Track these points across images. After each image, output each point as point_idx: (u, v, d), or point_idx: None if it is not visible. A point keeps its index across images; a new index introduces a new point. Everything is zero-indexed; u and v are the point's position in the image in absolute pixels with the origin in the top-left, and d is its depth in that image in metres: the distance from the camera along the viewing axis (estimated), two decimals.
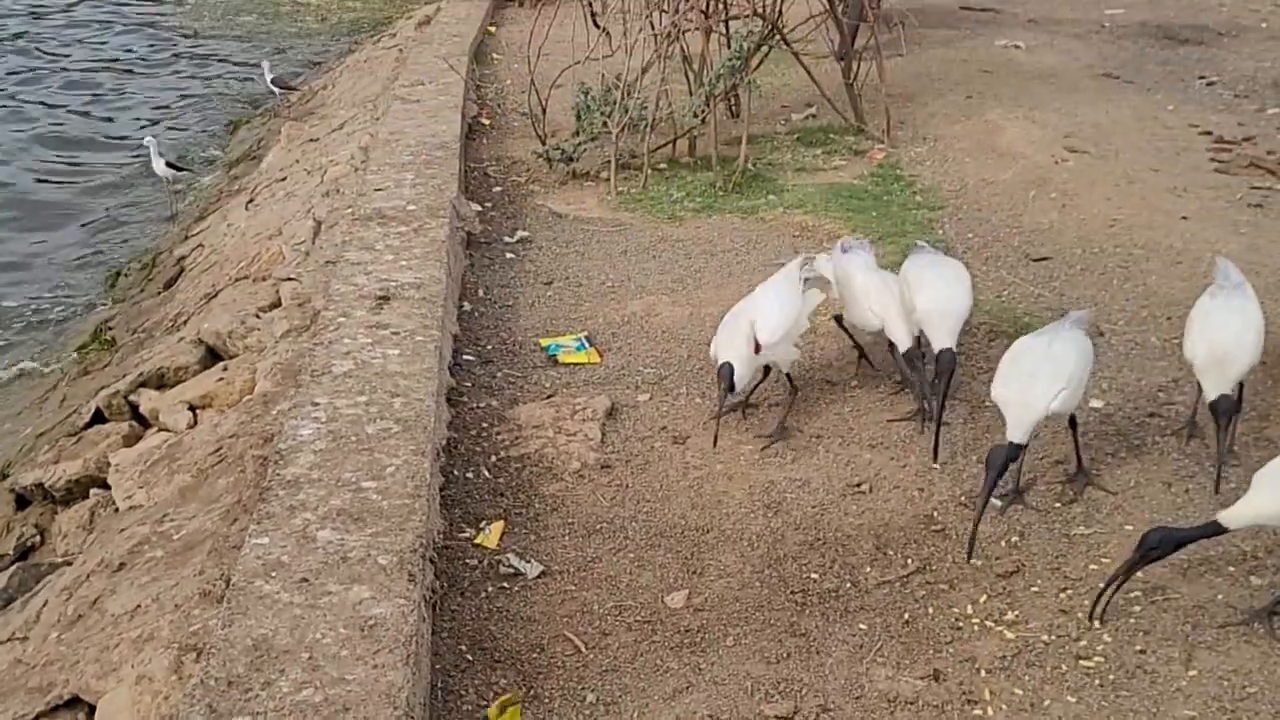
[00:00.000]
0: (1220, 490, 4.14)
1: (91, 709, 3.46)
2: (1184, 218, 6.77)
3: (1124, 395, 4.92)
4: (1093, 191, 7.23)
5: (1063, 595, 3.77)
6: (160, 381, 5.73)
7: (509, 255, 6.49)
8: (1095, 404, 4.81)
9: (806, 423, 4.74)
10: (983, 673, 3.46)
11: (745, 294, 4.84)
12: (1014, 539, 4.02)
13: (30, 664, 3.73)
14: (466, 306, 5.80)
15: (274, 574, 3.27)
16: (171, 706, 3.14)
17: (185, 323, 6.69)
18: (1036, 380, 3.98)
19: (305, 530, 3.45)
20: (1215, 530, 3.60)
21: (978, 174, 7.62)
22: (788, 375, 4.68)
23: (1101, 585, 3.62)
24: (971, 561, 3.91)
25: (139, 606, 3.69)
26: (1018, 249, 6.44)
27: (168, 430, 5.26)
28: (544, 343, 5.42)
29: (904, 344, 4.59)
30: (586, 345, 5.36)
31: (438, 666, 3.43)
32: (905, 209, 7.10)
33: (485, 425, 4.74)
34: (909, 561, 3.95)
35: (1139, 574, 3.62)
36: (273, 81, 12.17)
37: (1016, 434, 3.91)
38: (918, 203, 7.20)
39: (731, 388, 4.38)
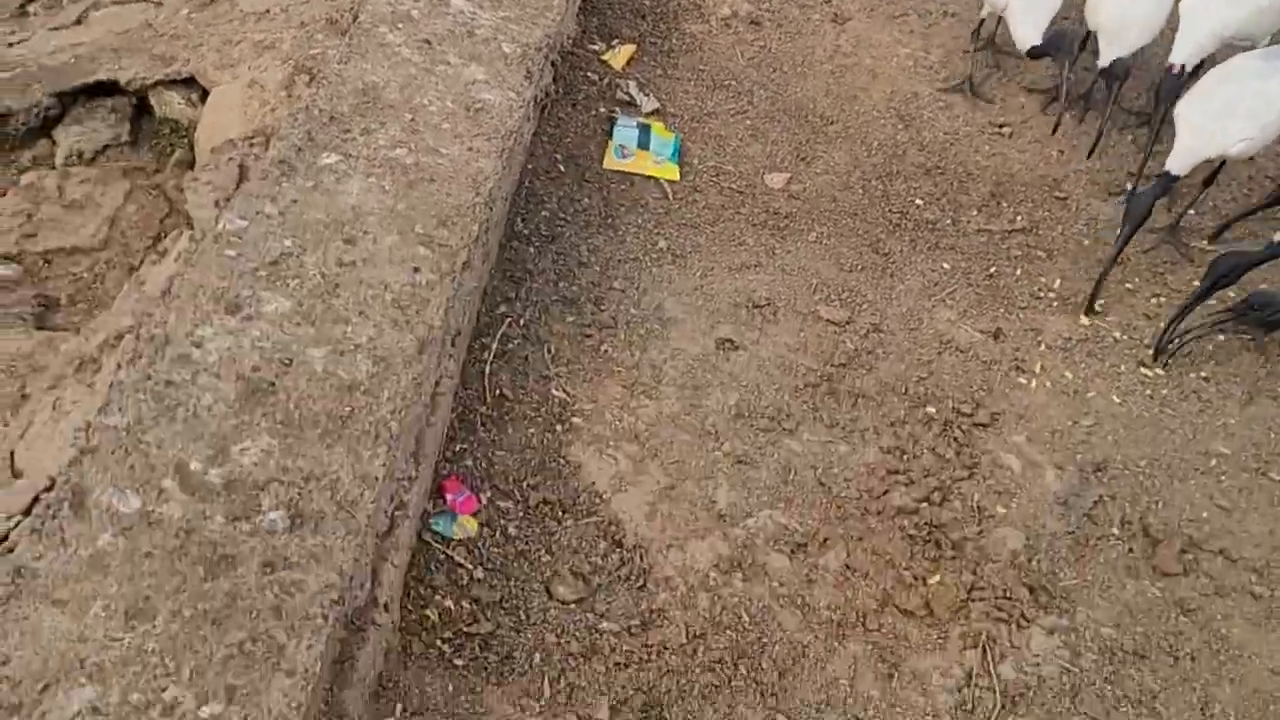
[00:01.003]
0: None
1: (204, 94, 3.58)
2: None
3: None
4: None
5: (1154, 300, 3.68)
6: None
7: None
8: None
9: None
10: (1043, 347, 3.46)
11: None
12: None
13: (159, 32, 3.81)
14: None
15: (400, 26, 3.24)
16: (276, 119, 3.24)
17: None
18: (1230, 116, 3.51)
19: None
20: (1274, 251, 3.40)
21: None
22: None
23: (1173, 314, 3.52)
24: (1080, 241, 3.80)
25: (268, 11, 3.71)
26: None
27: None
28: None
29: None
30: None
31: (529, 167, 3.48)
32: None
33: None
34: (1018, 218, 3.84)
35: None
36: None
37: (1176, 164, 3.54)
38: None
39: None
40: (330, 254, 2.66)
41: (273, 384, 2.39)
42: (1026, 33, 3.95)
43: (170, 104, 3.57)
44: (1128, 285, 3.71)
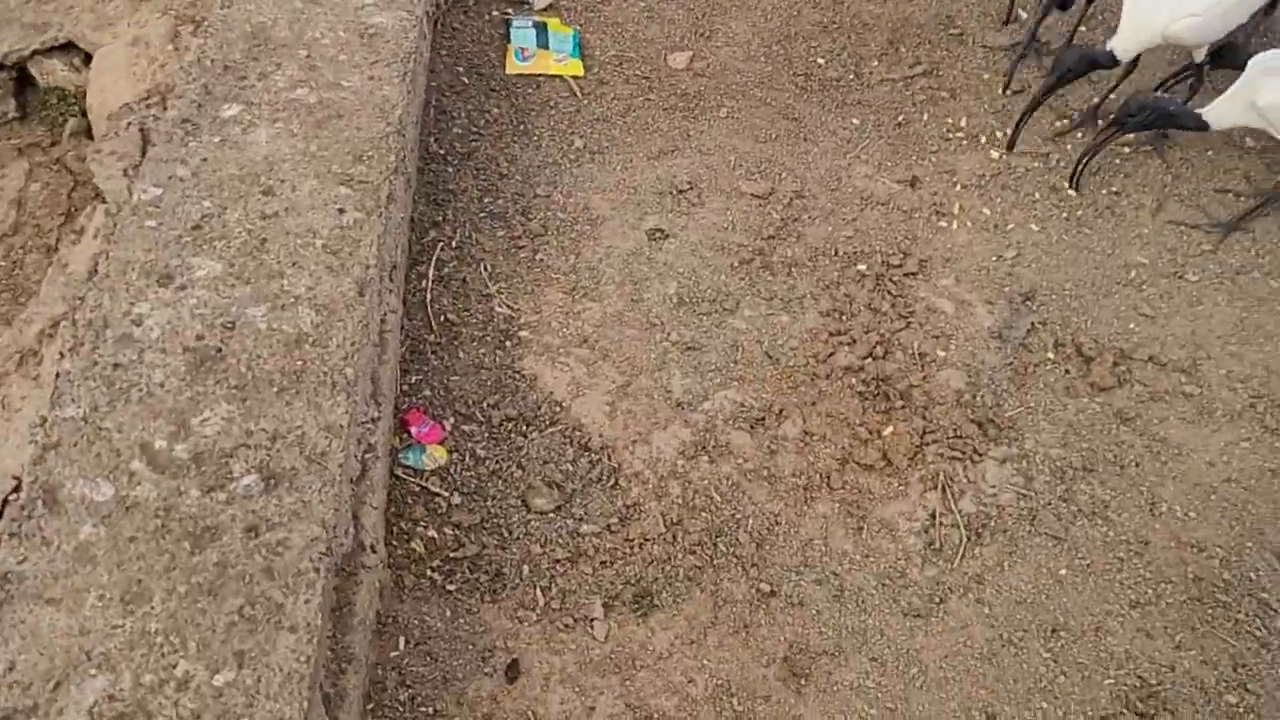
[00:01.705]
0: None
1: (88, 58, 3.47)
2: None
3: None
4: None
5: (1059, 124, 3.76)
6: None
7: None
8: None
9: None
10: (958, 187, 3.54)
11: None
12: (1031, 63, 3.91)
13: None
14: None
15: None
16: (168, 75, 3.16)
17: None
18: None
19: None
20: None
21: None
22: None
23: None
24: (981, 76, 3.85)
25: None
26: None
27: None
28: None
29: None
30: None
31: (433, 84, 3.43)
32: None
33: None
34: (918, 63, 3.88)
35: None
36: None
37: (1117, 44, 3.47)
38: None
39: None
40: (252, 208, 2.64)
41: (220, 350, 2.40)
42: None
43: (53, 73, 3.46)
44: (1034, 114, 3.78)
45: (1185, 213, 3.51)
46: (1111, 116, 3.46)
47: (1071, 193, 3.54)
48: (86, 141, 3.24)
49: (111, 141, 2.90)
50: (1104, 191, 3.57)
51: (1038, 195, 3.54)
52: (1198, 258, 3.41)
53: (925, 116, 3.72)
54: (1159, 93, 3.64)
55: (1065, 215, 3.49)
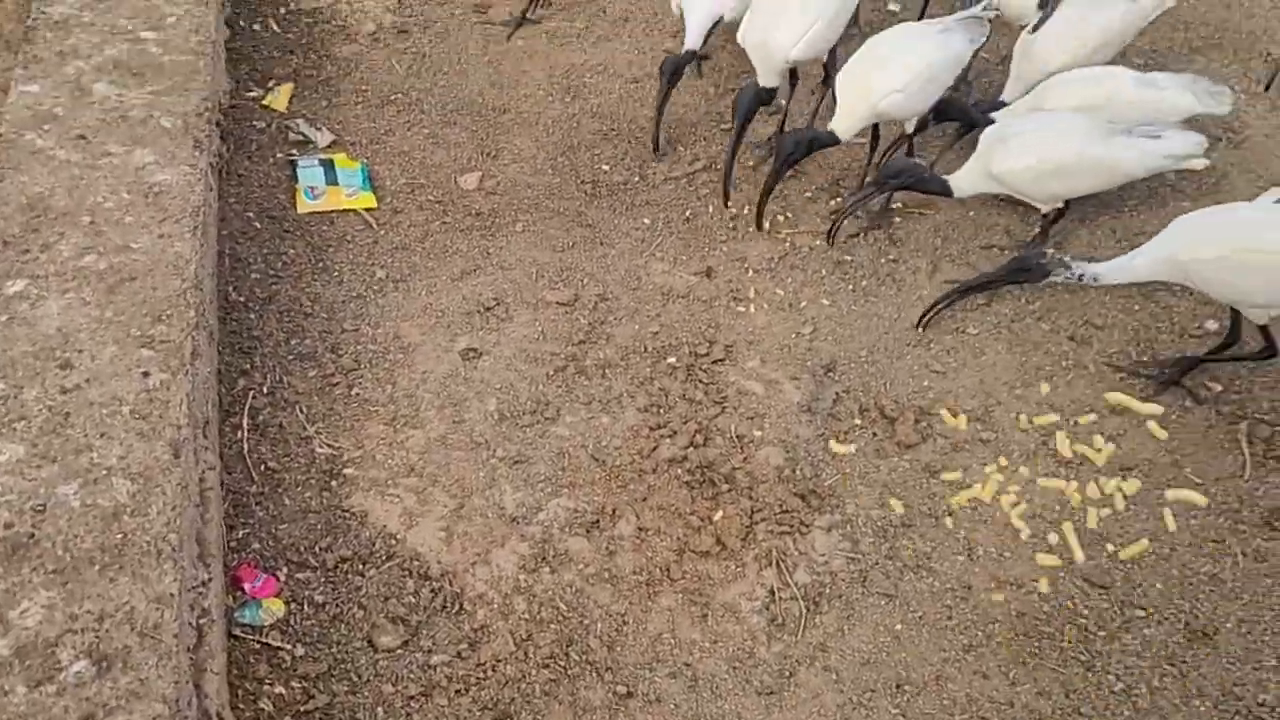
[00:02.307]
0: None
1: None
2: None
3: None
4: None
5: (834, 203, 3.99)
6: None
7: None
8: None
9: (612, 3, 4.62)
10: (751, 273, 3.72)
11: None
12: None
13: None
14: None
15: (47, 127, 3.10)
16: None
17: None
18: (876, 73, 3.66)
19: (79, 81, 3.24)
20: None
21: None
22: None
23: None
24: (759, 168, 4.06)
25: None
26: None
27: None
28: None
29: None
30: None
31: (225, 233, 3.42)
32: None
33: None
34: (697, 159, 4.07)
35: (908, 192, 3.82)
36: None
37: (837, 124, 3.72)
38: None
39: None
40: (50, 384, 2.56)
41: (32, 535, 2.31)
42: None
43: None
44: (807, 194, 4.01)
45: (958, 271, 3.77)
46: (871, 181, 3.70)
47: (848, 266, 3.74)
48: None
49: None
50: (882, 260, 3.80)
51: (824, 272, 3.74)
52: (975, 312, 3.66)
53: (710, 209, 3.90)
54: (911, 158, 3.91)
55: (851, 287, 3.70)
